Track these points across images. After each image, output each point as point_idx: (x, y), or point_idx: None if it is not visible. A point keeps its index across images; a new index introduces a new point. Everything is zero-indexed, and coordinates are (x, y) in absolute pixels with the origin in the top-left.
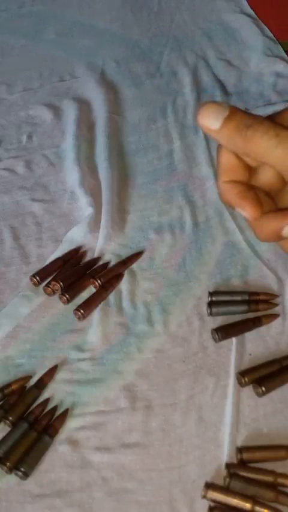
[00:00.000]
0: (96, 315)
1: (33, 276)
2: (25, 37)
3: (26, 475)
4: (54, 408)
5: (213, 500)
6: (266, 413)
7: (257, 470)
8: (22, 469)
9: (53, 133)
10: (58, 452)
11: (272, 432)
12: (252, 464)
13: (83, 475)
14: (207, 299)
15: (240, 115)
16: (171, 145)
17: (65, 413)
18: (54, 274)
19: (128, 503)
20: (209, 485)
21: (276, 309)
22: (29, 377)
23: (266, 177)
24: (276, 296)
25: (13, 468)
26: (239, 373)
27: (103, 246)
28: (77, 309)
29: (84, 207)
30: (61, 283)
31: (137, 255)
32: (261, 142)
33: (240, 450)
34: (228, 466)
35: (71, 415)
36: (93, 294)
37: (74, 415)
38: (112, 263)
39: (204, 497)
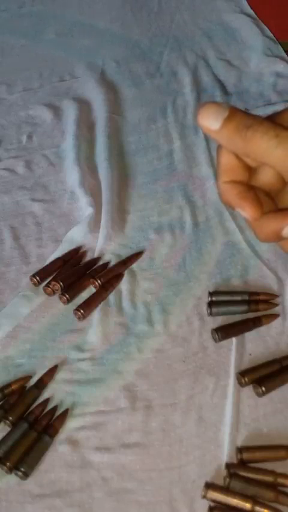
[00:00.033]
0: (96, 315)
1: (33, 276)
2: (25, 37)
3: (26, 475)
4: (54, 408)
5: (213, 500)
6: (266, 413)
7: (257, 470)
8: (22, 469)
9: (53, 133)
10: (58, 452)
11: (272, 432)
12: (252, 464)
13: (83, 475)
14: (207, 299)
15: (240, 115)
16: (171, 145)
17: (65, 413)
18: (54, 274)
19: (128, 503)
20: (209, 485)
21: (276, 309)
22: (29, 377)
23: (266, 178)
24: (276, 296)
25: (13, 468)
26: (239, 373)
27: (103, 246)
28: (77, 309)
29: (84, 207)
30: (61, 283)
31: (137, 255)
32: (261, 142)
33: (240, 450)
34: (228, 466)
35: (71, 415)
36: (93, 294)
37: (74, 415)
38: (112, 263)
39: (204, 497)
